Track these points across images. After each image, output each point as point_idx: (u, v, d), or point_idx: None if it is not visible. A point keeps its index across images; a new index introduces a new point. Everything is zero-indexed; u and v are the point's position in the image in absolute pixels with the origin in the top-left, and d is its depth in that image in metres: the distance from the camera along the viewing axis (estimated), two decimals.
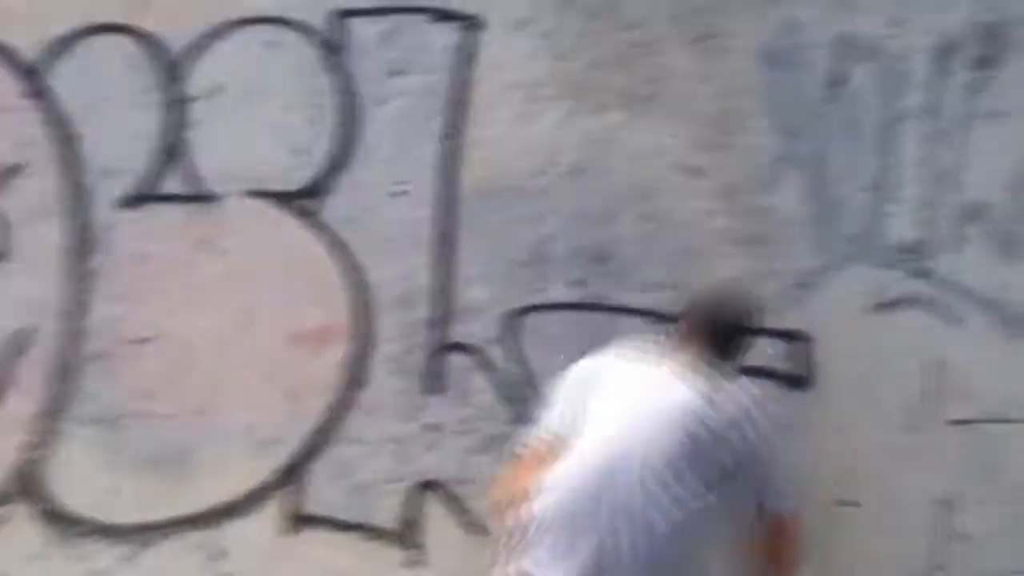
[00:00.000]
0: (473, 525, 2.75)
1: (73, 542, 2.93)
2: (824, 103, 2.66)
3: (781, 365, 2.65)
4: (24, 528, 2.93)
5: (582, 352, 2.59)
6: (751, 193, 2.66)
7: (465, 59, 2.77)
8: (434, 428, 2.78)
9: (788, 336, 2.64)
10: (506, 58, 2.75)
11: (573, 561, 2.11)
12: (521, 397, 2.72)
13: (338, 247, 2.81)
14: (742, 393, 2.25)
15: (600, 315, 2.71)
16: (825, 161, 2.66)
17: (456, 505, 2.76)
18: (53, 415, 2.92)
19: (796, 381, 2.65)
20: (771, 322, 2.59)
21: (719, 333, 2.32)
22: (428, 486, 2.75)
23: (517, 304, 2.75)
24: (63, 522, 2.93)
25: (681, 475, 2.16)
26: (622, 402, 2.24)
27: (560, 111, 2.73)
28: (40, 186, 2.93)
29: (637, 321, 2.66)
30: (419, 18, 2.81)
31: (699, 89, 2.68)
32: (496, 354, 2.76)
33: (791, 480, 2.30)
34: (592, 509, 2.14)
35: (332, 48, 2.81)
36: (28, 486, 2.93)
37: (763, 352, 2.60)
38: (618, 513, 2.13)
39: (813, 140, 2.66)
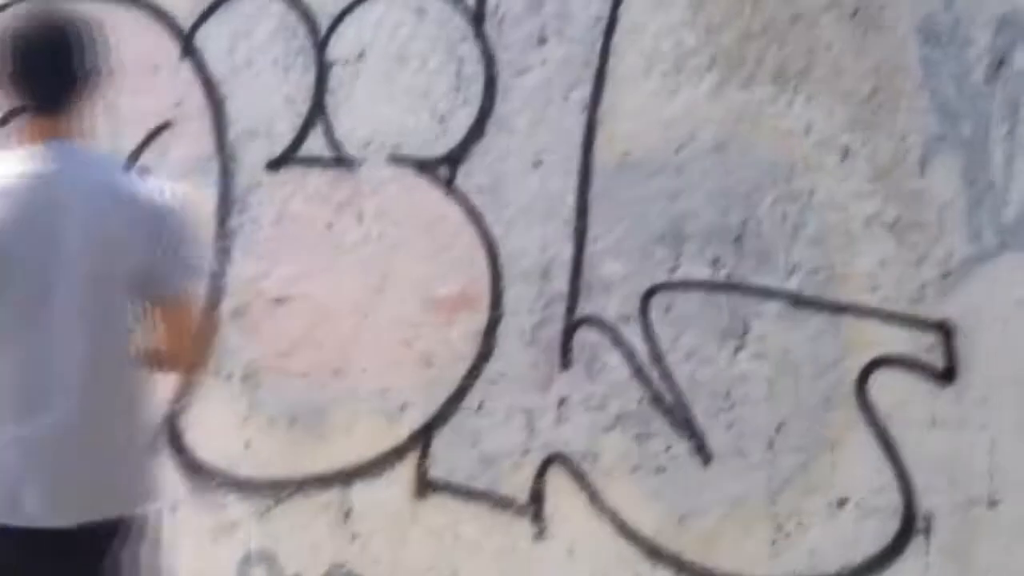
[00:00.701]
0: (598, 501, 2.74)
1: (206, 494, 3.01)
2: (984, 83, 2.53)
3: (924, 356, 2.54)
4: (164, 479, 3.02)
5: (716, 332, 2.55)
6: (903, 176, 2.55)
7: (608, 28, 2.72)
8: (563, 402, 2.77)
9: (934, 326, 2.53)
10: (651, 28, 2.68)
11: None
12: (651, 376, 2.68)
13: (475, 216, 2.80)
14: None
15: (736, 296, 2.64)
16: (982, 144, 2.53)
17: (582, 481, 2.75)
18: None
19: (940, 374, 2.54)
20: (918, 311, 2.49)
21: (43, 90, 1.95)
22: (555, 460, 2.74)
23: (651, 281, 2.71)
24: (198, 474, 3.01)
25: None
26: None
27: (705, 84, 2.66)
28: (187, 146, 2.99)
29: (776, 304, 2.59)
30: None
31: (853, 65, 2.57)
32: (628, 331, 2.72)
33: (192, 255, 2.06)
34: None
35: (476, 16, 2.78)
36: (166, 437, 3.03)
37: (905, 342, 2.51)
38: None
39: (971, 121, 2.53)
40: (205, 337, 2.48)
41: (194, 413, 3.00)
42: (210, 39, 2.96)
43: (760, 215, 2.63)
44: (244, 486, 2.98)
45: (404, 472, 2.86)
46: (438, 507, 2.84)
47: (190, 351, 2.22)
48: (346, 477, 2.89)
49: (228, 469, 2.98)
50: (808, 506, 2.59)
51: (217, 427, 2.98)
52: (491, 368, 2.79)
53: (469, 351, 2.80)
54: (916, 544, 2.53)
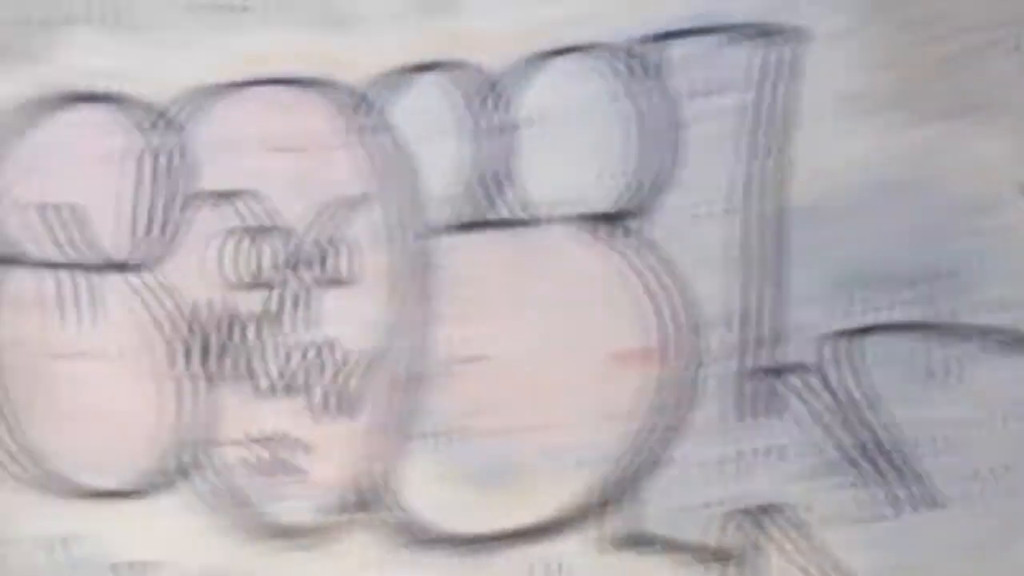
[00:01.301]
0: (816, 551, 2.66)
1: (410, 551, 3.10)
2: None
3: None
4: (364, 537, 3.15)
5: (924, 374, 2.47)
6: None
7: (781, 75, 2.70)
8: (761, 452, 2.72)
9: None
10: (825, 71, 2.65)
11: None
12: (858, 421, 2.60)
13: (657, 268, 2.81)
14: None
15: (943, 336, 2.54)
16: None
17: (788, 532, 2.68)
18: (395, 429, 3.11)
19: None
20: None
21: None
22: (766, 510, 2.69)
23: (847, 324, 2.64)
24: (401, 531, 3.10)
25: None
26: None
27: (885, 123, 2.60)
28: (381, 214, 3.13)
29: (988, 342, 2.48)
30: (734, 35, 2.75)
31: None
32: (833, 376, 2.66)
33: None
34: None
35: (647, 70, 2.80)
36: (370, 496, 3.15)
37: None
38: None
39: None
40: None
41: (397, 472, 3.10)
42: (396, 110, 3.08)
43: (960, 252, 2.53)
44: (447, 542, 3.05)
45: (600, 527, 2.86)
46: (637, 561, 2.84)
47: None
48: (544, 532, 2.92)
49: (430, 526, 3.06)
50: None
51: (418, 485, 3.07)
52: (684, 419, 2.77)
53: (659, 403, 2.79)
54: None
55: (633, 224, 2.83)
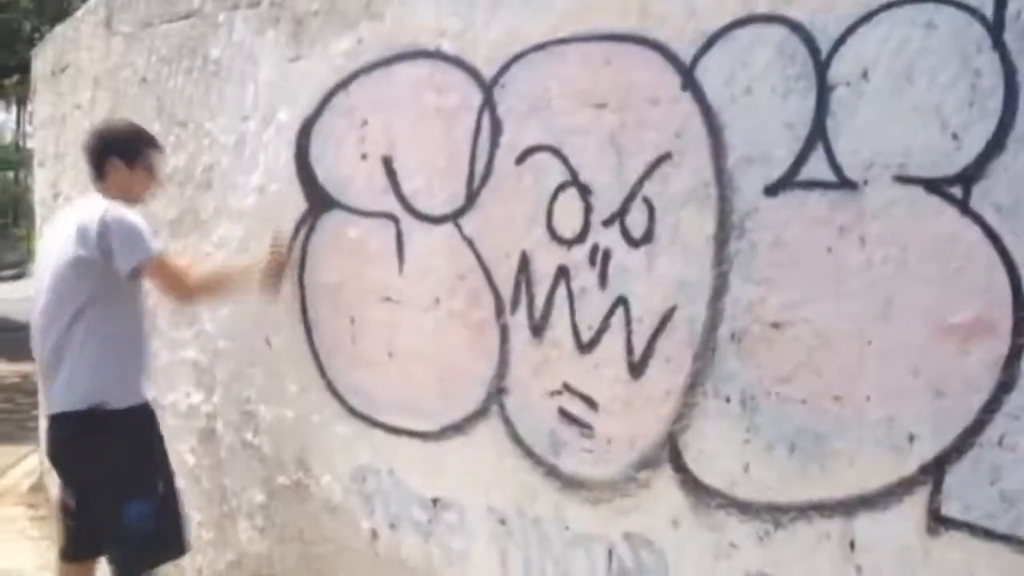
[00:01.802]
0: None
1: (707, 513, 3.08)
2: None
3: None
4: (666, 494, 3.15)
5: None
6: None
7: None
8: None
9: None
10: None
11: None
12: None
13: (993, 237, 2.61)
14: (97, 206, 3.68)
15: None
16: None
17: None
18: (693, 390, 3.09)
19: None
20: None
21: (91, 163, 3.90)
22: None
23: None
24: (698, 492, 3.09)
25: (63, 273, 3.65)
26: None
27: None
28: (686, 174, 3.10)
29: None
30: None
31: None
32: None
33: (130, 245, 3.63)
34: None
35: (994, 25, 2.60)
36: (669, 455, 3.15)
37: None
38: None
39: None
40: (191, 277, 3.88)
41: (694, 434, 3.09)
42: (709, 70, 3.02)
43: None
44: (744, 509, 3.01)
45: (913, 507, 2.72)
46: (951, 545, 2.68)
47: (181, 291, 3.85)
48: (849, 507, 2.82)
49: (728, 491, 3.03)
50: None
51: (716, 449, 3.04)
52: (1013, 401, 2.58)
53: (987, 382, 2.61)
54: None
55: (965, 189, 2.64)
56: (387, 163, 3.78)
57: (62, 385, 3.67)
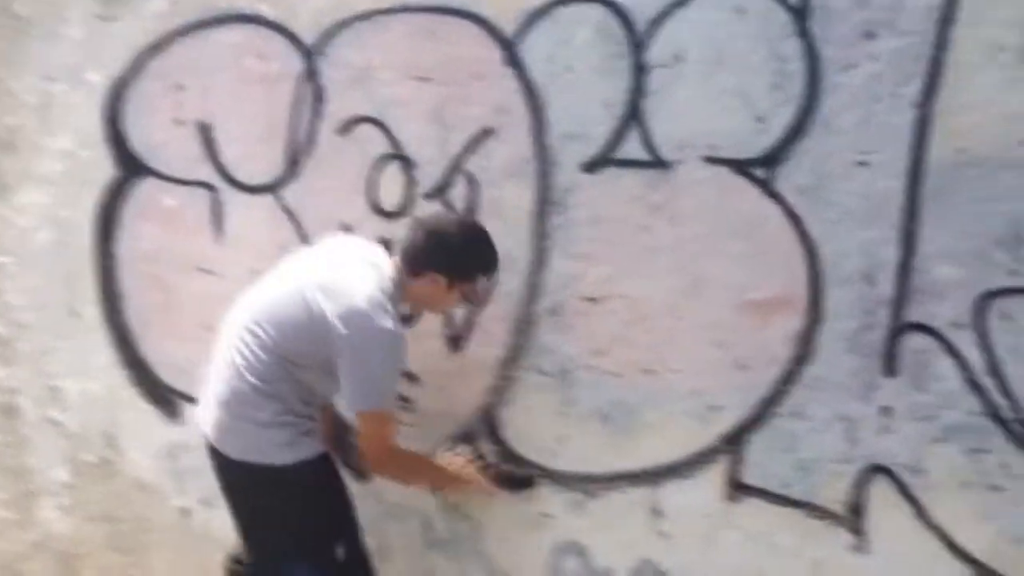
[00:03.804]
0: (924, 516, 2.61)
1: (521, 484, 3.13)
2: None
3: None
4: (479, 468, 3.18)
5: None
6: None
7: (944, 19, 2.57)
8: (887, 412, 2.65)
9: None
10: (993, 18, 2.51)
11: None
12: (987, 387, 2.52)
13: (794, 218, 2.73)
14: (368, 299, 2.74)
15: None
16: None
17: (907, 495, 2.63)
18: (512, 364, 3.12)
19: None
20: None
21: (409, 254, 2.85)
22: (878, 471, 2.63)
23: (988, 286, 2.54)
24: (514, 464, 3.13)
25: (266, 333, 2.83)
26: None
27: None
28: (509, 150, 3.11)
29: None
30: None
31: None
32: (961, 338, 2.57)
33: (370, 386, 2.77)
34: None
35: (799, 12, 2.71)
36: (487, 427, 3.17)
37: None
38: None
39: None
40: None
41: (511, 407, 3.12)
42: (532, 47, 3.04)
43: None
44: (558, 479, 3.07)
45: (716, 475, 2.84)
46: (751, 512, 2.81)
47: (380, 455, 2.93)
48: (657, 476, 2.91)
49: (543, 462, 3.08)
50: None
51: (533, 421, 3.09)
52: (809, 373, 2.72)
53: (786, 355, 2.74)
54: None
55: (769, 171, 2.76)
56: (204, 130, 3.65)
57: (224, 426, 2.94)
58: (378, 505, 3.35)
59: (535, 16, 3.03)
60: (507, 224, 3.08)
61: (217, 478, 3.02)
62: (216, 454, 2.96)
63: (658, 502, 2.91)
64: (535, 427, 3.07)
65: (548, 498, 3.07)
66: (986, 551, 2.54)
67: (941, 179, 2.57)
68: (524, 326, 3.08)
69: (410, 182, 3.25)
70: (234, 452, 2.91)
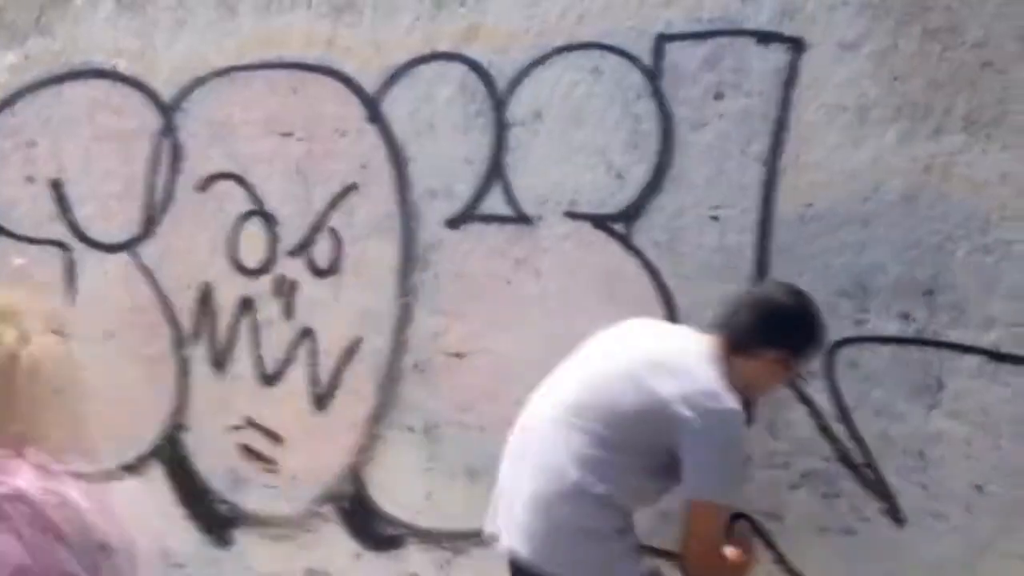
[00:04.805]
0: (783, 562, 2.66)
1: (389, 543, 3.08)
2: None
3: None
4: (349, 527, 3.12)
5: (907, 389, 2.46)
6: None
7: (788, 81, 2.69)
8: (745, 461, 2.70)
9: None
10: (833, 79, 2.64)
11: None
12: (838, 433, 2.61)
13: (651, 270, 2.80)
14: (716, 381, 2.34)
15: (928, 352, 2.54)
16: None
17: (766, 540, 2.68)
18: (378, 421, 3.09)
19: None
20: None
21: (739, 327, 2.42)
22: (737, 518, 2.68)
23: (836, 335, 2.63)
24: (382, 523, 3.08)
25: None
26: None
27: (892, 134, 2.59)
28: (372, 206, 3.11)
29: (972, 360, 2.48)
30: (740, 41, 2.75)
31: None
32: (812, 387, 2.66)
33: (712, 476, 2.33)
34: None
35: (651, 73, 2.80)
36: (353, 487, 3.12)
37: None
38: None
39: None
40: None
41: (377, 465, 3.08)
42: (395, 103, 3.06)
43: (953, 268, 2.53)
44: (425, 537, 3.03)
45: None
46: None
47: (707, 550, 2.41)
48: None
49: (410, 520, 3.04)
50: (1010, 572, 2.44)
51: (399, 479, 3.05)
52: None
53: None
54: None
55: (627, 226, 2.82)
56: (56, 187, 3.53)
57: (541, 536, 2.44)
58: (244, 573, 3.25)
59: (397, 73, 3.04)
60: (371, 280, 3.07)
61: None
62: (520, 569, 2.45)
63: None
64: (401, 484, 3.03)
65: (413, 557, 3.02)
66: None
67: (788, 233, 2.66)
68: (389, 383, 3.06)
69: (272, 239, 3.20)
70: (552, 566, 2.38)
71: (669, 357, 2.41)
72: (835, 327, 2.62)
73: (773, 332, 2.42)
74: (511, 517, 2.43)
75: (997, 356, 2.47)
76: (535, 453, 2.44)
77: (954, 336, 2.52)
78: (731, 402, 2.33)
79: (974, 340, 2.50)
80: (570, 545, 2.35)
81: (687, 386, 2.33)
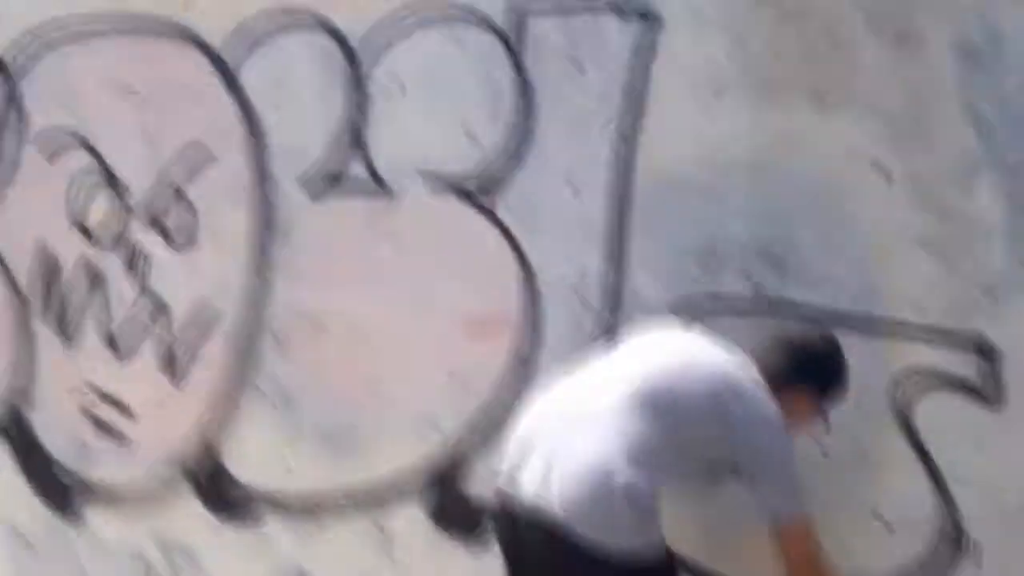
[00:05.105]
0: None
1: (246, 511, 3.02)
2: None
3: (967, 377, 2.51)
4: (204, 496, 3.06)
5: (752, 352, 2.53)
6: (945, 196, 2.54)
7: (644, 55, 2.74)
8: None
9: (978, 348, 2.50)
10: (687, 54, 2.70)
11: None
12: None
13: (510, 239, 2.81)
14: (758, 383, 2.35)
15: (775, 317, 2.63)
16: None
17: None
18: (235, 391, 3.03)
19: (984, 395, 2.51)
20: (962, 333, 2.47)
21: (774, 369, 2.40)
22: None
23: (687, 299, 2.70)
24: (239, 494, 3.03)
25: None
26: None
27: (743, 108, 2.66)
28: (229, 174, 3.04)
29: (812, 322, 2.58)
30: (598, 14, 2.78)
31: (892, 87, 2.57)
32: None
33: (788, 480, 2.31)
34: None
35: (511, 44, 2.81)
36: (208, 456, 3.06)
37: (949, 363, 2.48)
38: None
39: (1013, 141, 2.52)
40: None
41: (234, 434, 3.02)
42: (252, 71, 2.99)
43: (800, 236, 2.62)
44: (283, 506, 2.98)
45: (430, 499, 2.86)
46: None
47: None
48: (383, 496, 2.88)
49: (268, 490, 2.99)
50: (850, 529, 2.55)
51: (257, 448, 3.00)
52: (526, 388, 2.78)
53: (504, 371, 2.80)
54: (961, 567, 2.50)
55: (486, 196, 2.83)
56: None
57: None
58: (93, 544, 3.14)
59: (257, 41, 2.98)
60: (229, 251, 3.00)
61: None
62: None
63: (385, 524, 2.88)
64: (259, 455, 2.98)
65: (273, 526, 2.97)
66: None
67: (644, 203, 2.72)
68: (247, 353, 3.00)
69: (125, 209, 3.11)
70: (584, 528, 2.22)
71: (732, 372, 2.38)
72: (686, 291, 2.67)
73: (805, 369, 2.43)
74: (547, 479, 2.27)
75: (840, 320, 2.56)
76: (593, 427, 2.29)
77: (797, 299, 2.60)
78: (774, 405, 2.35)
79: (814, 302, 2.58)
80: (611, 512, 2.23)
81: (751, 407, 2.32)
